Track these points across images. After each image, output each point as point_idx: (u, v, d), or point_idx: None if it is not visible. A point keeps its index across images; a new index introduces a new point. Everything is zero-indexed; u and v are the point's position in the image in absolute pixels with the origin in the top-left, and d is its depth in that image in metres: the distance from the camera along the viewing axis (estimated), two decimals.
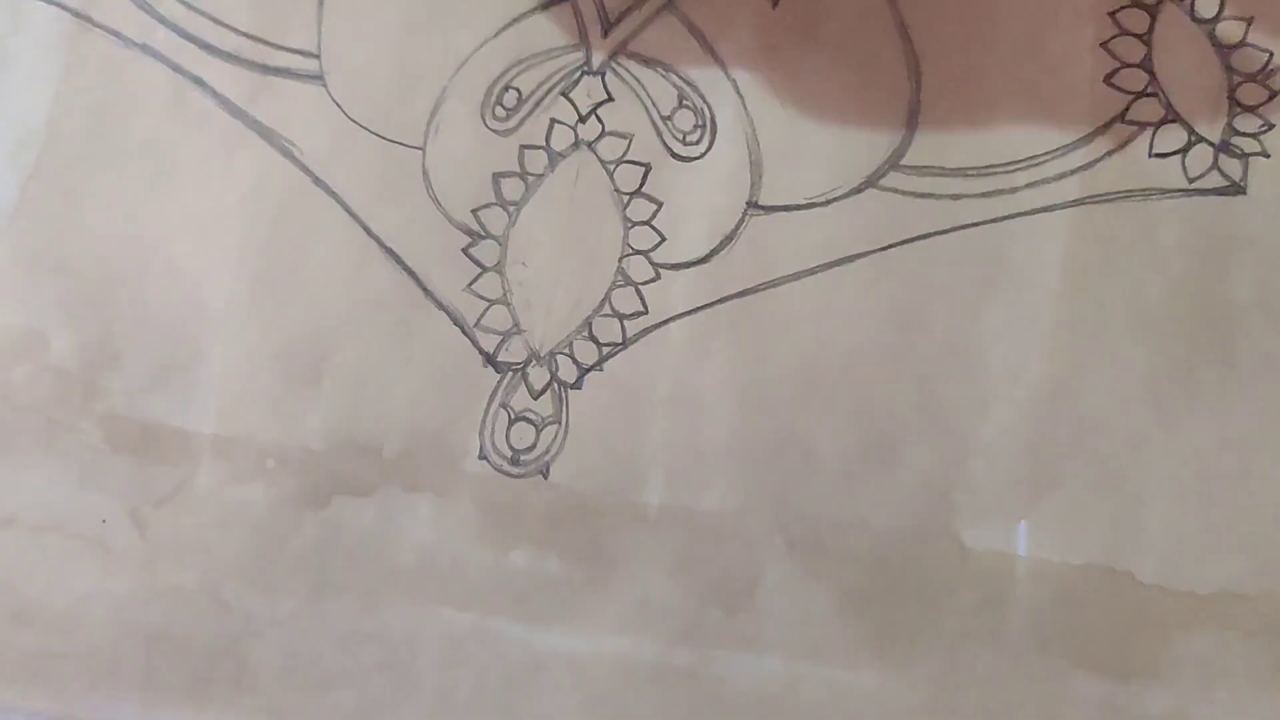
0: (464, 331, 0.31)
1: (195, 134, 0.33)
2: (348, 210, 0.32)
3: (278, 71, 0.33)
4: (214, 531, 0.31)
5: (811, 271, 0.31)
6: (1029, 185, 0.31)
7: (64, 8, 0.34)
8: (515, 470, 0.31)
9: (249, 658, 0.31)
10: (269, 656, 0.31)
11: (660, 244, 0.31)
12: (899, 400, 0.30)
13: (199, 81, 0.33)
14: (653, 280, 0.31)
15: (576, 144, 0.32)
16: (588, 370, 0.31)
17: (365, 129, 0.32)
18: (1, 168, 0.33)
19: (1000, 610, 0.29)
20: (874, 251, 0.31)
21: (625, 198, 0.31)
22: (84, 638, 0.31)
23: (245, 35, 0.33)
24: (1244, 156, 0.31)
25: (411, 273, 0.32)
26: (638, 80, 0.32)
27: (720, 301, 0.31)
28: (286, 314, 0.32)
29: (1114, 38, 0.31)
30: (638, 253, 0.31)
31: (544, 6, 0.32)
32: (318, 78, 0.32)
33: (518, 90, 0.32)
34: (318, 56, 0.33)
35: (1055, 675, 0.29)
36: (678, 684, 0.30)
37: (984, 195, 0.31)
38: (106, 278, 0.32)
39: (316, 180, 0.32)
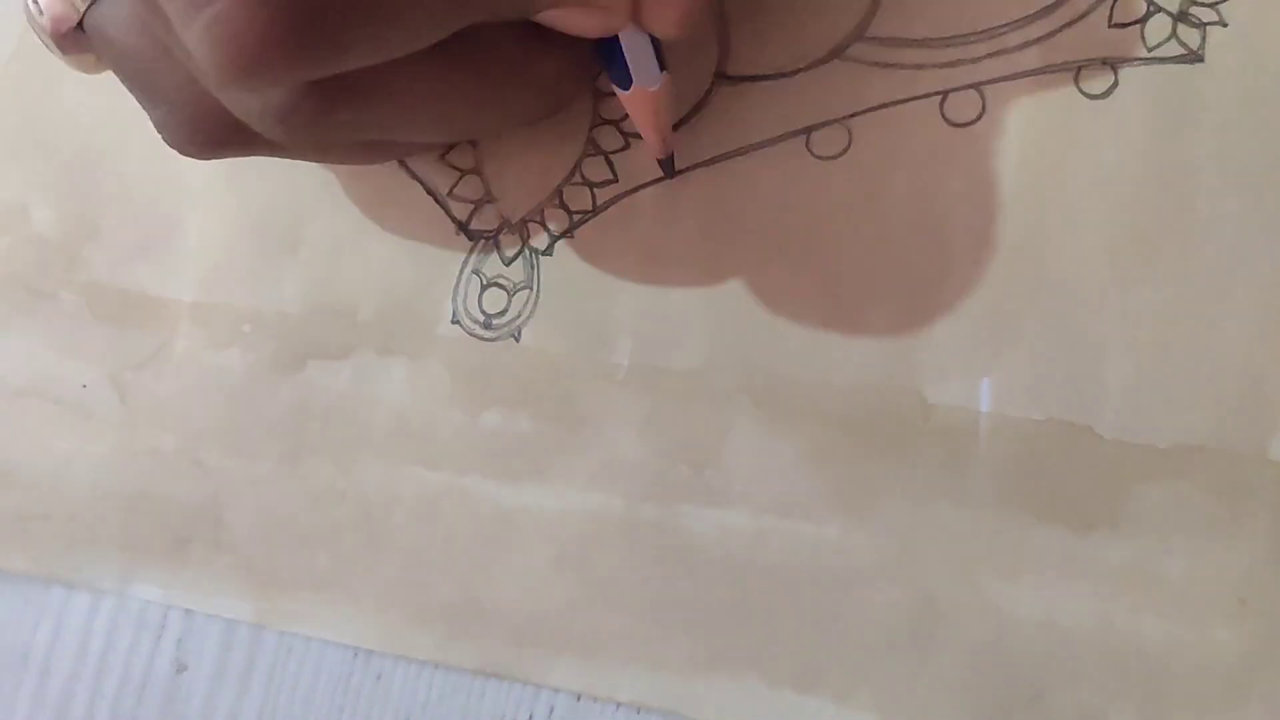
0: (437, 200, 0.31)
1: None
2: None
3: None
4: (192, 395, 0.31)
5: (779, 139, 0.31)
6: (990, 55, 0.31)
7: None
8: (487, 334, 0.31)
9: (225, 518, 0.31)
10: (245, 517, 0.31)
11: (627, 116, 0.31)
12: (864, 261, 0.30)
13: None
14: (622, 149, 0.31)
15: None
16: (558, 238, 0.31)
17: None
18: None
19: (963, 465, 0.29)
20: (839, 120, 0.31)
21: (596, 70, 0.31)
22: (64, 499, 0.31)
23: None
24: (1202, 26, 0.31)
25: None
26: None
27: (689, 169, 0.31)
28: (263, 185, 0.32)
29: None
30: (607, 122, 0.31)
31: None
32: None
33: None
34: None
35: (1017, 528, 0.29)
36: (646, 537, 0.30)
37: (946, 65, 0.31)
38: (86, 152, 0.32)
39: None
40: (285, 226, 0.33)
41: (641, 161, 0.32)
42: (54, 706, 0.32)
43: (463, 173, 0.32)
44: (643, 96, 0.29)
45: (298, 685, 0.31)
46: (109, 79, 0.31)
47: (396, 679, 0.31)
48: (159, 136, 0.29)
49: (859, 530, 0.30)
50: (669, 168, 0.31)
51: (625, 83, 0.29)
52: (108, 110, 0.33)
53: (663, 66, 0.29)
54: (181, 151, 0.27)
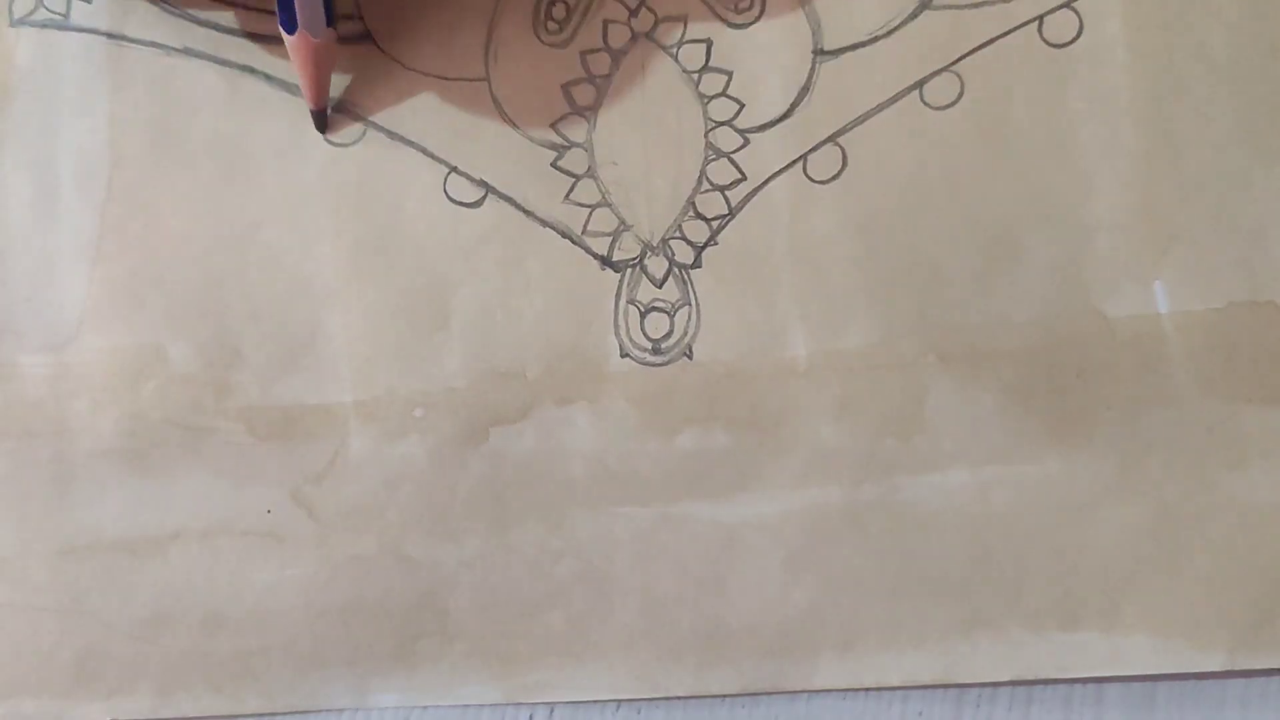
0: (574, 241, 0.30)
1: (257, 121, 0.32)
2: (430, 155, 0.31)
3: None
4: (380, 492, 0.30)
5: (892, 101, 0.31)
6: None
7: (96, 32, 0.32)
8: (659, 359, 0.30)
9: (448, 606, 0.30)
10: (467, 599, 0.30)
11: (740, 110, 0.31)
12: (1006, 198, 0.30)
13: (249, 69, 0.31)
14: (743, 146, 0.31)
15: (634, 38, 0.31)
16: (703, 248, 0.30)
17: (426, 74, 0.31)
18: (74, 201, 0.32)
19: (1160, 369, 0.29)
20: (945, 69, 0.31)
21: (696, 76, 0.31)
22: (279, 628, 0.30)
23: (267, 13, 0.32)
24: None
25: (508, 199, 0.31)
26: None
27: (813, 150, 0.31)
28: (395, 269, 0.31)
29: None
30: (721, 124, 0.31)
31: None
32: (366, 37, 0.31)
33: (564, 1, 0.31)
34: (359, 18, 0.31)
35: (1229, 417, 0.29)
36: (872, 519, 0.29)
37: None
38: (207, 279, 0.32)
39: (392, 135, 0.31)
40: (429, 303, 0.32)
41: (767, 152, 0.31)
42: None
43: (591, 207, 0.32)
44: (306, 44, 0.30)
45: None
46: (210, 196, 0.31)
47: None
48: (273, 243, 0.30)
49: (1079, 458, 0.30)
50: (321, 122, 0.33)
51: (291, 27, 0.30)
52: (216, 232, 0.32)
53: (330, 22, 0.31)
54: None
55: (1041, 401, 0.31)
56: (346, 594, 0.31)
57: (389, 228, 0.33)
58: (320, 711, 0.31)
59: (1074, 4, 0.33)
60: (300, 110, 0.33)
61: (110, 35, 0.34)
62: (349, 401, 0.32)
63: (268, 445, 0.32)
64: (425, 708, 0.31)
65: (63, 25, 0.34)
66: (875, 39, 0.33)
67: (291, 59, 0.31)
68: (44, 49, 0.34)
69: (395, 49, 0.34)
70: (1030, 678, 0.30)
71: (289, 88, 0.34)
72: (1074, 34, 0.33)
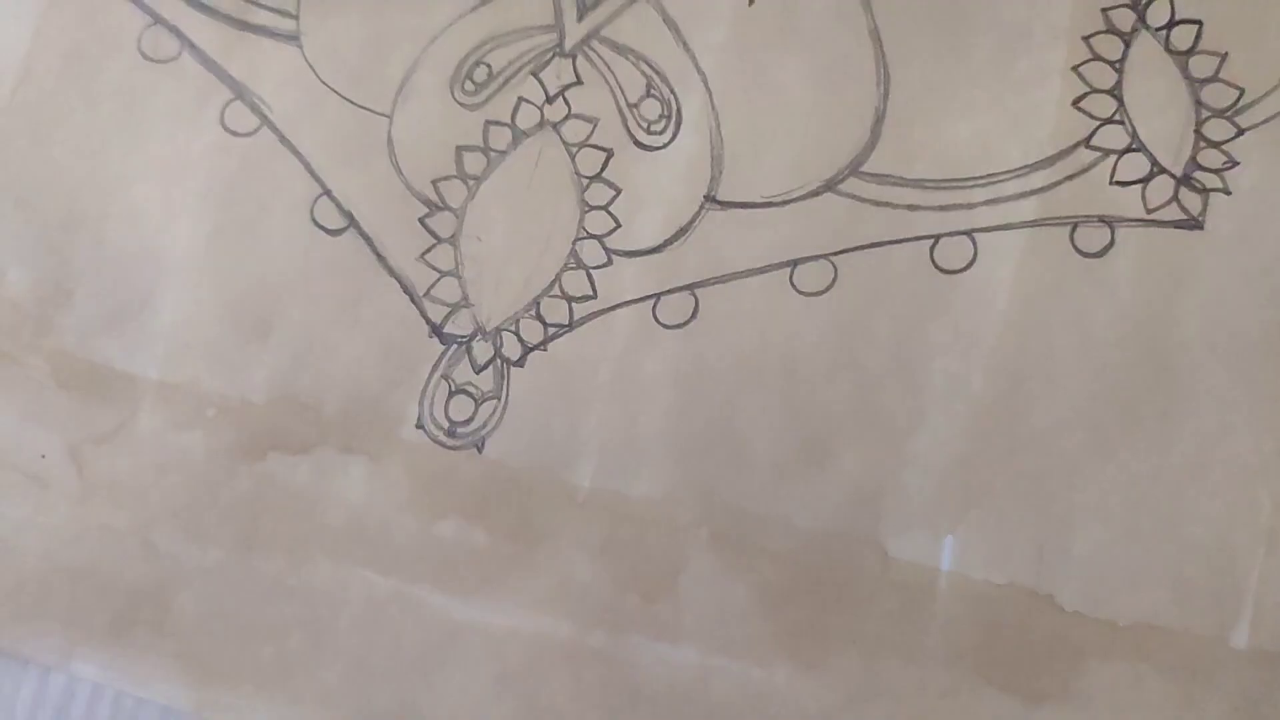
0: (413, 300, 0.30)
1: (167, 81, 0.32)
2: (310, 171, 0.31)
3: (255, 29, 0.32)
4: (150, 475, 0.30)
5: (762, 270, 0.30)
6: (986, 202, 0.30)
7: None
8: (450, 442, 0.29)
9: (173, 603, 0.29)
10: (192, 604, 0.30)
11: (615, 230, 0.30)
12: (837, 404, 0.29)
13: (176, 31, 0.31)
14: (604, 265, 0.30)
15: (541, 124, 0.30)
16: (532, 349, 0.30)
17: (336, 92, 0.31)
18: None
19: (918, 622, 0.28)
20: (826, 255, 0.30)
21: (585, 181, 0.30)
22: (12, 569, 0.30)
23: None
24: (1205, 191, 0.30)
25: (367, 238, 0.31)
26: (608, 66, 0.31)
27: (669, 292, 0.30)
28: (240, 268, 0.31)
29: (1085, 62, 0.30)
30: (592, 236, 0.30)
31: None
32: (294, 38, 0.31)
33: (489, 66, 0.31)
34: (296, 17, 0.31)
35: (967, 691, 0.28)
36: (591, 666, 0.28)
37: (940, 209, 0.30)
38: (67, 217, 0.31)
39: (282, 139, 0.31)
40: (259, 312, 0.32)
41: (625, 280, 0.31)
42: None
43: (442, 274, 0.31)
44: None
45: None
46: (99, 139, 0.30)
47: None
48: (140, 204, 0.29)
49: (806, 679, 0.29)
50: None
51: None
52: (92, 174, 0.32)
53: None
54: None
55: (793, 611, 0.30)
56: (85, 559, 0.32)
57: (249, 225, 0.33)
58: (22, 661, 0.32)
59: (975, 235, 0.31)
60: (208, 85, 0.33)
61: None
62: (153, 378, 0.32)
63: (65, 394, 0.32)
64: (118, 692, 0.31)
65: None
66: (769, 203, 0.32)
67: None
68: None
69: (317, 59, 0.33)
70: None
71: (206, 60, 0.34)
72: (966, 263, 0.32)
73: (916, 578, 0.30)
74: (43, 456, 0.32)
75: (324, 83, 0.33)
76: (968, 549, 0.30)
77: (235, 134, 0.33)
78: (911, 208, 0.32)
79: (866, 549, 0.30)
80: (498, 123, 0.33)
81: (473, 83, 0.33)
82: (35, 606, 0.32)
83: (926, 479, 0.31)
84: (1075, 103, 0.32)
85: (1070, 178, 0.32)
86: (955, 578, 0.30)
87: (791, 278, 0.32)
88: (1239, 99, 0.31)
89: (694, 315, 0.32)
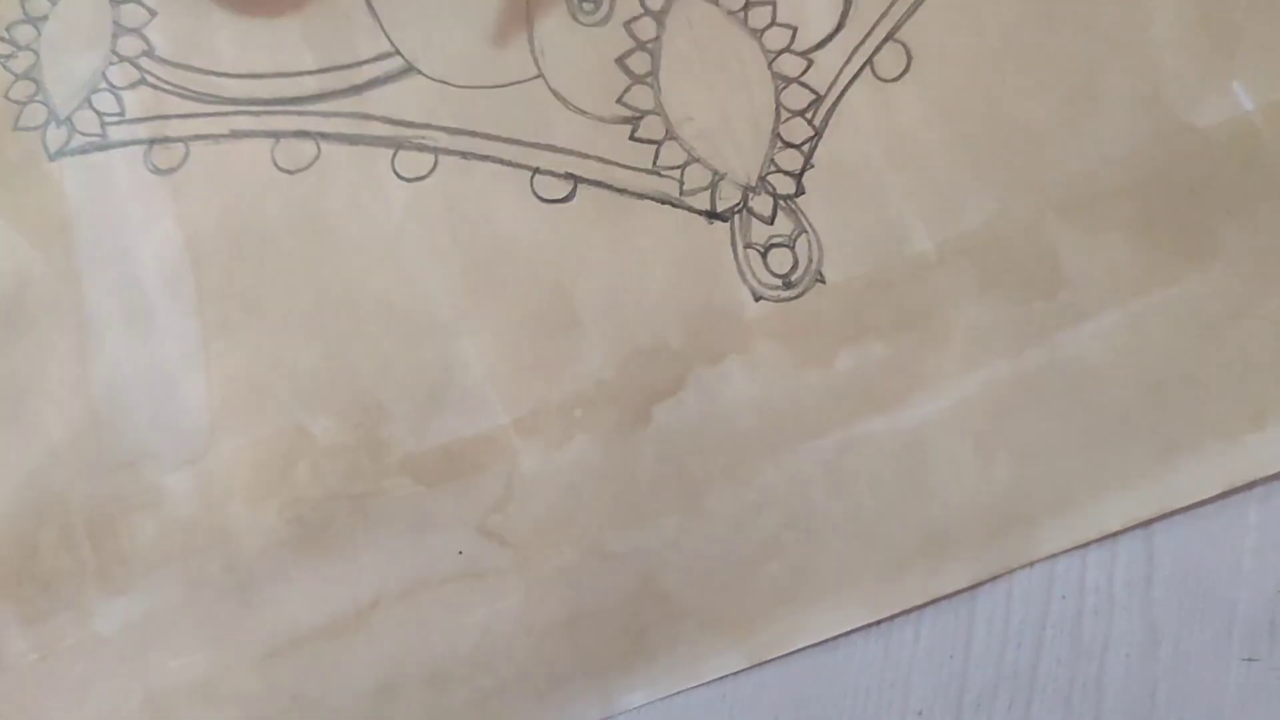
0: (674, 205, 0.30)
1: (326, 181, 0.31)
2: (508, 164, 0.30)
3: (369, 85, 0.30)
4: (565, 501, 0.29)
5: None
6: None
7: (139, 142, 0.30)
8: (793, 293, 0.30)
9: (667, 589, 0.29)
10: (683, 577, 0.29)
11: (795, 34, 0.31)
12: (1071, 49, 0.33)
13: (301, 133, 0.30)
14: (808, 68, 0.30)
15: None
16: (800, 173, 0.30)
17: (480, 88, 0.30)
18: (169, 310, 0.31)
19: (1264, 163, 0.30)
20: None
21: (742, 15, 0.30)
22: (506, 663, 0.30)
23: (320, 72, 0.30)
24: None
25: (598, 183, 0.30)
26: None
27: (876, 52, 0.30)
28: (510, 282, 0.30)
29: None
30: (780, 52, 0.31)
31: None
32: (410, 69, 0.30)
33: None
34: (397, 52, 0.30)
35: None
36: (1044, 381, 0.31)
37: None
38: (327, 348, 0.31)
39: (464, 155, 0.30)
40: (553, 305, 0.31)
41: (833, 67, 0.31)
42: None
43: (681, 167, 0.31)
44: None
45: None
46: (307, 270, 0.31)
47: None
48: (384, 294, 0.31)
49: (1214, 268, 0.32)
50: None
51: None
52: (319, 300, 0.32)
53: None
54: None
55: (1165, 226, 0.31)
56: (562, 608, 0.30)
57: (490, 243, 0.32)
58: None
59: None
60: (366, 157, 0.32)
61: (153, 141, 0.32)
62: (507, 423, 0.31)
63: (439, 489, 0.31)
64: (675, 694, 0.30)
65: (102, 145, 0.33)
66: None
67: None
68: (90, 174, 0.32)
69: (441, 71, 0.32)
70: (1240, 483, 0.29)
71: (346, 139, 0.32)
72: None
73: (1236, 130, 0.31)
74: (460, 553, 0.31)
75: (462, 86, 0.32)
76: (1255, 81, 0.31)
77: (419, 179, 0.32)
78: None
79: (1181, 137, 0.31)
80: (634, 18, 0.33)
81: (588, 2, 0.32)
82: (551, 678, 0.30)
83: (1183, 52, 0.32)
84: None
85: None
86: (1265, 109, 0.31)
87: None
88: None
89: (909, 57, 0.32)
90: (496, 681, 0.30)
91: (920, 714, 0.30)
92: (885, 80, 0.32)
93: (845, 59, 0.32)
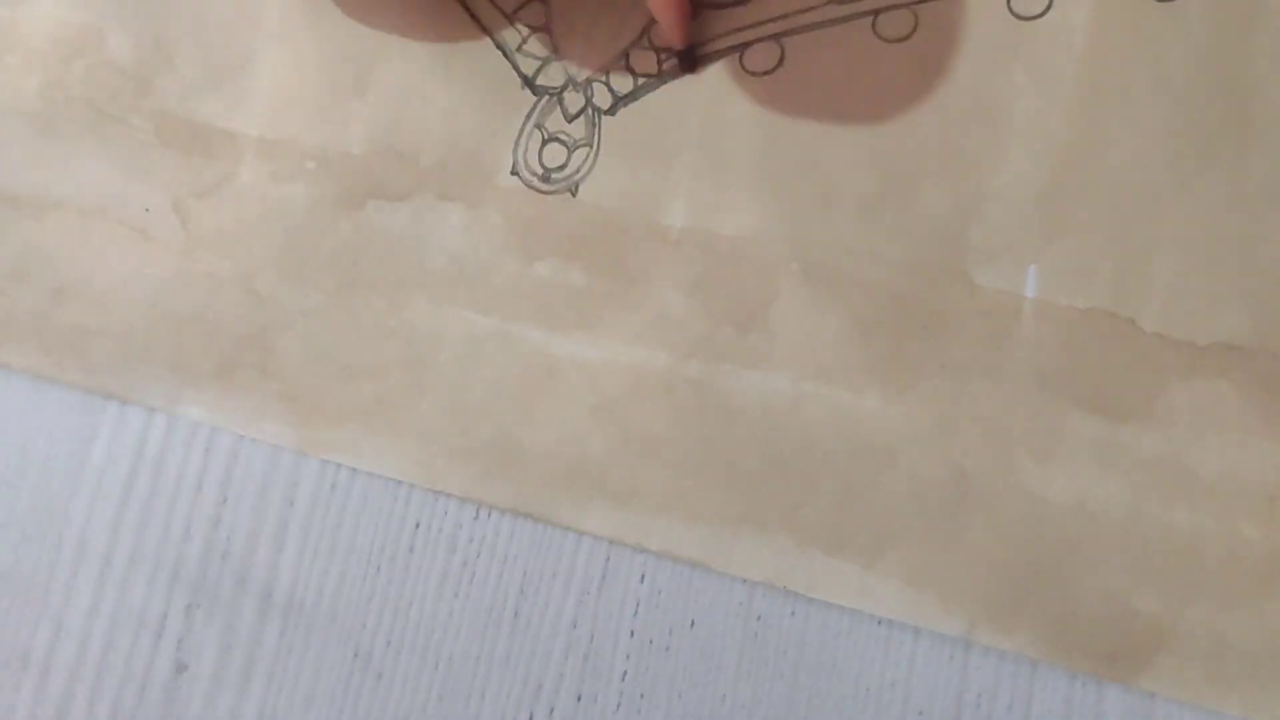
0: (505, 54, 0.30)
1: None
2: None
3: None
4: (252, 226, 0.30)
5: (846, 19, 0.30)
6: None
7: None
8: (545, 187, 0.29)
9: (275, 345, 0.29)
10: (295, 345, 0.29)
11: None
12: (922, 142, 0.29)
13: None
14: (692, 18, 0.29)
15: None
16: (623, 98, 0.29)
17: None
18: None
19: (1005, 346, 0.28)
20: (907, 6, 0.29)
21: None
22: (120, 317, 0.30)
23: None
24: None
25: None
26: None
27: (756, 42, 0.29)
28: (337, 27, 0.30)
29: None
30: None
31: None
32: None
33: None
34: None
35: (1054, 412, 0.28)
36: (687, 394, 0.28)
37: None
38: None
39: None
40: (355, 69, 0.31)
41: (713, 30, 0.31)
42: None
43: (533, 29, 0.31)
44: None
45: (299, 680, 0.30)
46: None
47: (396, 680, 0.29)
48: None
49: (897, 402, 0.29)
50: (689, 61, 0.31)
51: None
52: None
53: None
54: None
55: (882, 340, 0.30)
56: (190, 306, 0.32)
57: None
58: (131, 404, 0.31)
59: None
60: None
61: None
62: (254, 135, 0.32)
63: (167, 150, 0.32)
64: (223, 431, 0.31)
65: None
66: None
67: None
68: None
69: None
70: (779, 584, 0.29)
71: None
72: (1042, 9, 0.31)
73: (1002, 304, 0.30)
74: (147, 210, 0.32)
75: None
76: (1051, 276, 0.30)
77: None
78: None
79: (953, 278, 0.30)
80: None
81: None
82: (143, 352, 0.32)
83: (1010, 212, 0.31)
84: None
85: None
86: (1039, 304, 0.30)
87: (874, 26, 0.32)
88: None
89: (780, 63, 0.32)
90: (101, 325, 0.32)
91: (921, 714, 0.30)
92: (748, 71, 0.32)
93: (728, 30, 0.32)
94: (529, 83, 0.33)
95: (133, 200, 0.33)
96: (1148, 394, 0.31)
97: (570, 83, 0.33)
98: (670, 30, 0.31)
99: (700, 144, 0.32)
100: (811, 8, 0.32)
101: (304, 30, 0.33)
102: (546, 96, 0.33)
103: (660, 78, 0.32)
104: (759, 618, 0.30)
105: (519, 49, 0.33)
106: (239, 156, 0.33)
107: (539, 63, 0.33)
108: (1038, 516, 0.30)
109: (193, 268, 0.32)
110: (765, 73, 0.32)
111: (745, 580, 0.29)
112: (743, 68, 0.32)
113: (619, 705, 0.30)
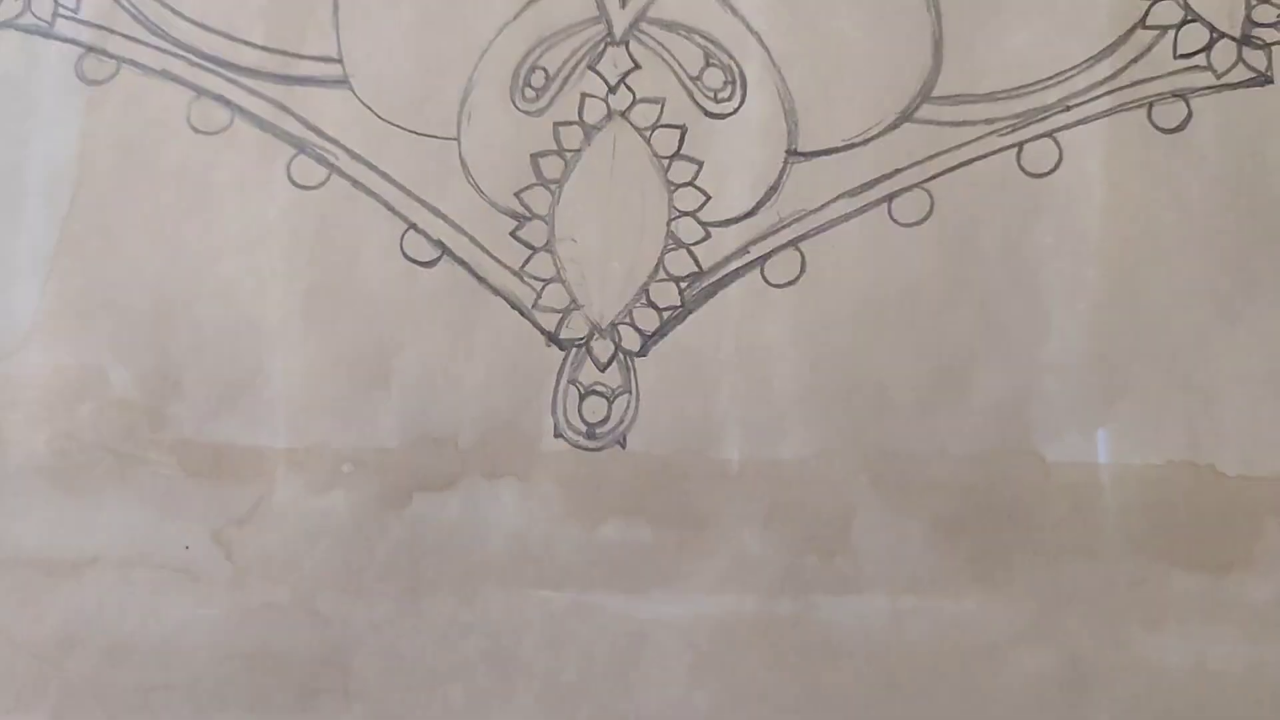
0: (523, 314, 0.29)
1: (227, 152, 0.31)
2: (390, 209, 0.29)
3: (301, 80, 0.31)
4: (300, 543, 0.29)
5: (860, 211, 0.29)
6: (1060, 101, 0.29)
7: (78, 44, 0.30)
8: (592, 444, 0.28)
9: (352, 665, 0.28)
10: (372, 661, 0.29)
11: (706, 203, 0.29)
12: (962, 327, 0.29)
13: (222, 100, 0.30)
14: (703, 240, 0.29)
15: (609, 115, 0.30)
16: (651, 337, 0.29)
17: (398, 126, 0.30)
18: (38, 210, 0.32)
19: (1090, 519, 0.28)
20: (917, 185, 0.28)
21: (665, 162, 0.29)
22: (183, 666, 0.29)
23: (263, 49, 0.30)
24: (1267, 46, 0.29)
25: (463, 263, 0.30)
26: (662, 45, 0.30)
27: (774, 252, 0.29)
28: (343, 321, 0.30)
29: None
30: (685, 214, 0.29)
31: None
32: (343, 82, 0.30)
33: (544, 69, 0.30)
34: (340, 61, 0.30)
35: (1154, 577, 0.27)
36: (784, 634, 0.28)
37: (1017, 117, 0.30)
38: (157, 307, 0.31)
39: (355, 183, 0.30)
40: (372, 360, 0.31)
41: (728, 249, 0.30)
42: None
43: (545, 282, 0.30)
44: None
45: None
46: (170, 223, 0.31)
47: None
48: (227, 278, 0.30)
49: (997, 598, 0.29)
50: None
51: None
52: (173, 259, 0.31)
53: None
54: None
55: (968, 538, 0.30)
56: (254, 640, 0.30)
57: (342, 277, 0.32)
58: None
59: (1056, 135, 0.31)
60: (268, 146, 0.32)
61: (91, 49, 0.33)
62: (280, 448, 0.31)
63: (195, 481, 0.31)
64: None
65: (46, 33, 0.33)
66: (851, 145, 0.31)
67: None
68: (24, 54, 0.33)
69: (370, 96, 0.32)
70: None
71: (261, 122, 0.32)
72: (1052, 165, 0.31)
73: (1079, 477, 0.30)
74: (187, 548, 0.31)
75: (383, 119, 0.32)
76: (1121, 438, 0.30)
77: (306, 188, 0.32)
78: (989, 121, 0.31)
79: (1024, 460, 0.30)
80: (566, 123, 0.32)
81: (532, 88, 0.32)
82: (215, 698, 0.31)
83: (1067, 381, 0.30)
84: None
85: (1135, 60, 0.31)
86: (1116, 469, 0.30)
87: (890, 212, 0.31)
88: None
89: (802, 270, 0.31)
90: (166, 679, 0.31)
91: None
92: (770, 283, 0.31)
93: (743, 246, 0.31)
94: (553, 339, 0.32)
95: (170, 540, 0.31)
96: (1245, 539, 0.30)
97: (595, 330, 0.32)
98: None
99: (740, 369, 0.31)
100: (823, 205, 0.31)
101: (309, 328, 0.32)
102: (574, 349, 0.32)
103: (685, 308, 0.31)
104: None
105: (535, 305, 0.32)
106: (270, 473, 0.31)
107: (559, 315, 0.32)
108: (1160, 687, 0.29)
109: (249, 600, 0.31)
110: (789, 283, 0.31)
111: None
112: (765, 281, 0.31)
113: None
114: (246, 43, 0.33)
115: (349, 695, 0.31)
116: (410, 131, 0.33)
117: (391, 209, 0.32)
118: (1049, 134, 0.32)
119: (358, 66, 0.33)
